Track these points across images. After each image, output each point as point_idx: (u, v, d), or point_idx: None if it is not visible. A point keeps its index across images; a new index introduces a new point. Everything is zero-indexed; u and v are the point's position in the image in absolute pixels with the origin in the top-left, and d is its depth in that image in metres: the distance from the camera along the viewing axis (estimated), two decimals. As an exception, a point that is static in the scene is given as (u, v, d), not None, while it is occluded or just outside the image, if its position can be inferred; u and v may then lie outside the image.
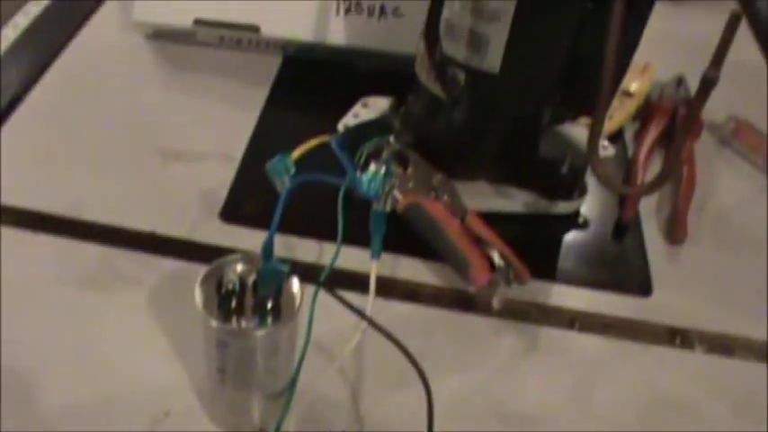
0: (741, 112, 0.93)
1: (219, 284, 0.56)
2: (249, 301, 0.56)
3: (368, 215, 0.66)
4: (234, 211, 0.77)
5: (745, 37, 1.07)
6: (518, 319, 0.71)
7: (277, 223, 0.54)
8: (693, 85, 0.59)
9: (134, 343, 0.66)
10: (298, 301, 0.56)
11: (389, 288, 0.71)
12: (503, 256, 0.69)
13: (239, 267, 0.57)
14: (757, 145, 0.91)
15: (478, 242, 0.70)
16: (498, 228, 0.71)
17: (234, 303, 0.56)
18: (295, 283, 0.57)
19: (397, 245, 0.71)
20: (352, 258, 0.66)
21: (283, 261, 0.55)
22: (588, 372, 0.68)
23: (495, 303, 0.67)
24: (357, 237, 0.65)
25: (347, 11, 0.91)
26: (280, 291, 0.56)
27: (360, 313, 0.60)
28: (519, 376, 0.67)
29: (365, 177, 0.64)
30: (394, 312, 0.69)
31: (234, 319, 0.55)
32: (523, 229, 0.79)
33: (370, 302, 0.62)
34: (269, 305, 0.56)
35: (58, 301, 0.68)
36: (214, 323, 0.54)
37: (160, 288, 0.69)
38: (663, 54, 0.95)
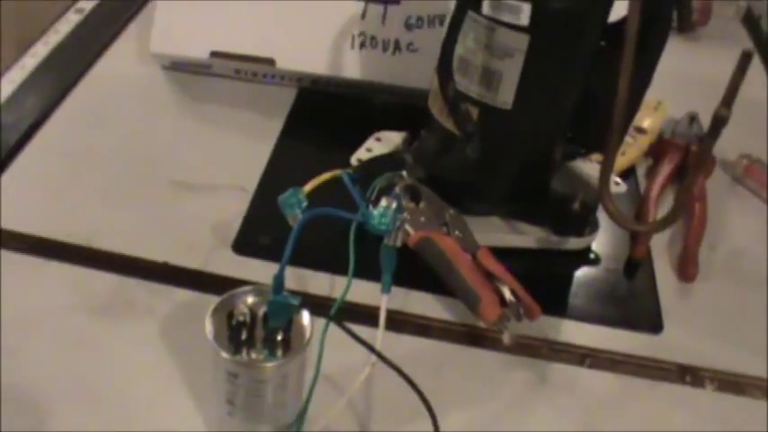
0: (754, 151, 0.94)
1: (230, 316, 0.56)
2: (260, 333, 0.56)
3: (379, 249, 0.66)
4: (246, 244, 0.77)
5: (759, 76, 1.09)
6: (528, 355, 0.71)
7: (288, 256, 0.54)
8: (706, 122, 0.59)
9: (144, 372, 0.66)
10: (308, 334, 0.56)
11: (400, 322, 0.71)
12: (513, 291, 0.69)
13: (250, 299, 0.57)
14: (769, 183, 0.91)
15: (489, 277, 0.70)
16: (509, 263, 0.71)
17: (244, 335, 0.56)
18: (305, 316, 0.57)
19: (408, 279, 0.71)
20: (363, 292, 0.66)
21: (294, 294, 0.56)
22: (598, 408, 0.68)
23: (506, 339, 0.66)
24: (368, 271, 0.65)
25: (362, 45, 0.92)
26: (290, 323, 0.56)
27: (369, 347, 0.60)
28: (528, 412, 0.67)
29: (376, 212, 0.64)
30: (404, 347, 0.69)
31: (244, 351, 0.55)
32: (534, 264, 0.79)
33: (379, 336, 0.62)
34: (279, 338, 0.56)
35: (70, 330, 0.68)
36: (224, 355, 0.54)
37: (172, 318, 0.70)
38: (676, 91, 0.95)
